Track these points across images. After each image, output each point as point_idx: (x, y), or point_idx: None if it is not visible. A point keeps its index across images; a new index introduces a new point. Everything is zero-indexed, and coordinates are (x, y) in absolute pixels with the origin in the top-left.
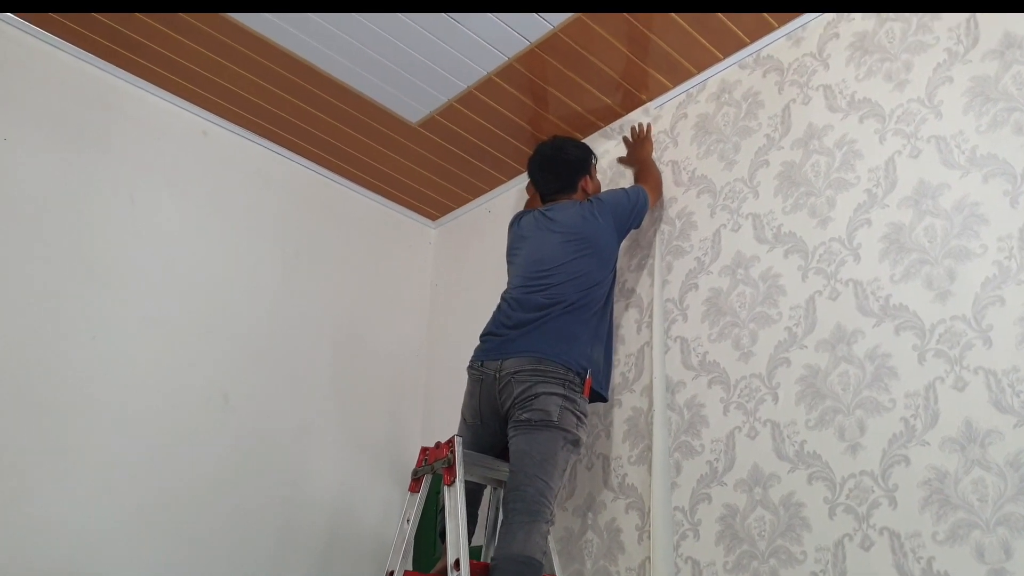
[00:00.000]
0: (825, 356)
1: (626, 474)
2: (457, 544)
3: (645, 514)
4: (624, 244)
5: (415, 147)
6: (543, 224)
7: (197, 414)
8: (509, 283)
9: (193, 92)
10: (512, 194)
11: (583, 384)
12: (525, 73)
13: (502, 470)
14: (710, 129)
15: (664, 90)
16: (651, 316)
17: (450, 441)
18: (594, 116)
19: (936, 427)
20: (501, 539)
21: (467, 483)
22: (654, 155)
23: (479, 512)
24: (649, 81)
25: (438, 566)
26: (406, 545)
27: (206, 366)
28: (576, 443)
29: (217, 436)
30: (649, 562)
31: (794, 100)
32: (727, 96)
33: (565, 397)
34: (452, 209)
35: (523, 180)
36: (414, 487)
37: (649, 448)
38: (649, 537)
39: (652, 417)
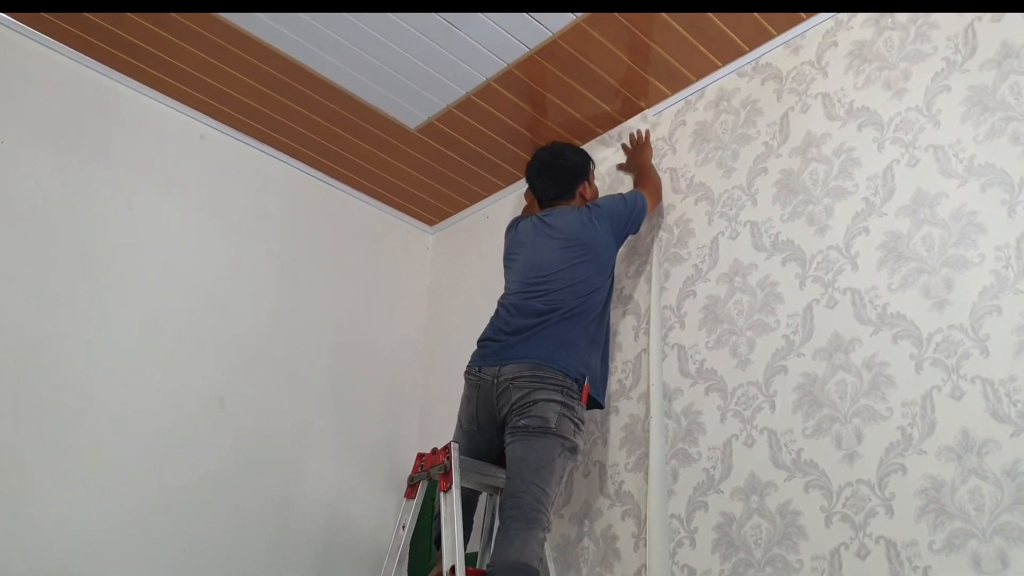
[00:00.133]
0: (822, 364)
1: (623, 481)
2: (453, 551)
3: (641, 522)
4: (622, 251)
5: (414, 152)
6: (541, 230)
7: (195, 416)
8: (507, 288)
9: (191, 95)
10: (510, 200)
11: (581, 391)
12: (524, 79)
13: (498, 476)
14: (708, 137)
15: (663, 97)
16: (648, 323)
17: (446, 447)
18: (593, 123)
19: (933, 436)
20: (497, 546)
21: (463, 489)
22: (653, 161)
23: (475, 518)
24: (648, 88)
25: (433, 572)
26: (401, 551)
27: (204, 369)
28: (573, 450)
29: (215, 438)
30: (645, 570)
31: (792, 108)
32: (726, 104)
33: (563, 404)
34: (450, 215)
35: (521, 186)
36: (410, 493)
37: (646, 455)
38: (645, 545)
39: (649, 424)
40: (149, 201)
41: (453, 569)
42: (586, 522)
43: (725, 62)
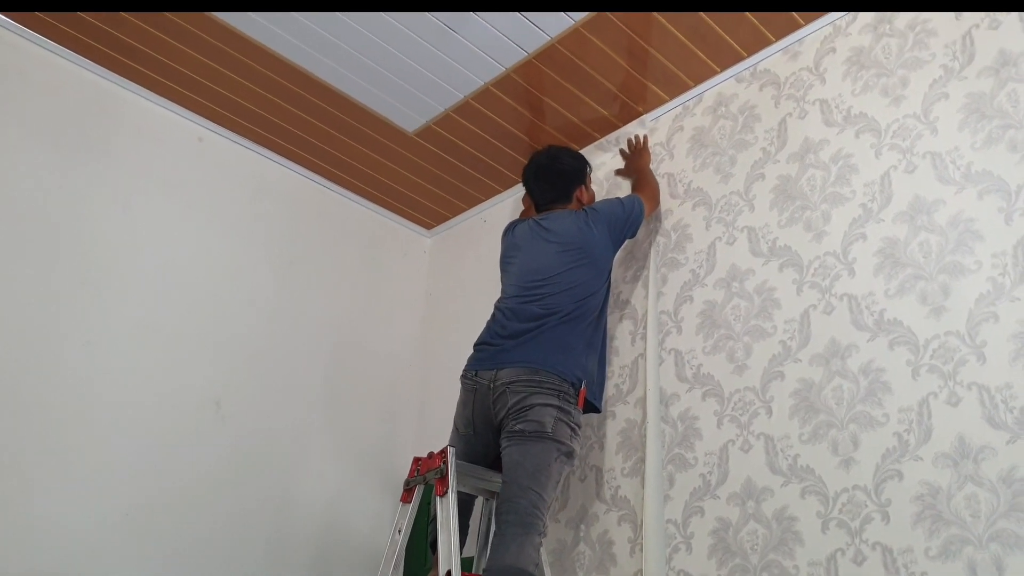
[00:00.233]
0: (819, 370)
1: (619, 486)
2: (449, 555)
3: (638, 527)
4: (619, 255)
5: (411, 156)
6: (538, 233)
7: (193, 417)
8: (503, 292)
9: (190, 99)
10: (508, 204)
11: (578, 395)
12: (522, 84)
13: (494, 481)
14: (706, 142)
15: (661, 102)
16: (645, 328)
17: (443, 451)
18: (591, 127)
19: (929, 442)
20: (493, 550)
21: (459, 494)
22: (651, 166)
23: (471, 523)
24: (646, 93)
25: None
26: (397, 556)
27: (202, 370)
28: (570, 455)
29: (212, 439)
30: (641, 575)
31: (790, 114)
32: (723, 109)
33: (560, 408)
34: (447, 218)
35: (519, 191)
36: (406, 497)
37: (642, 460)
38: (641, 550)
39: (646, 429)
40: (148, 203)
41: (449, 573)
42: (582, 527)
43: (723, 68)
